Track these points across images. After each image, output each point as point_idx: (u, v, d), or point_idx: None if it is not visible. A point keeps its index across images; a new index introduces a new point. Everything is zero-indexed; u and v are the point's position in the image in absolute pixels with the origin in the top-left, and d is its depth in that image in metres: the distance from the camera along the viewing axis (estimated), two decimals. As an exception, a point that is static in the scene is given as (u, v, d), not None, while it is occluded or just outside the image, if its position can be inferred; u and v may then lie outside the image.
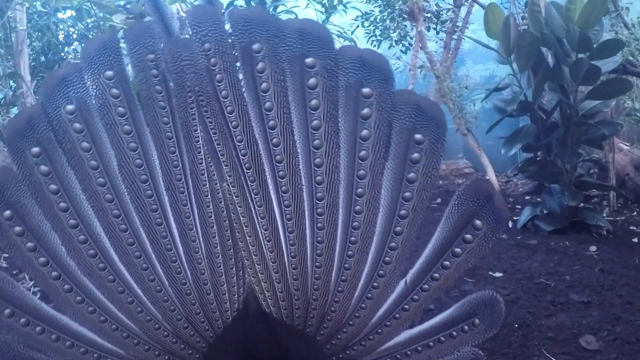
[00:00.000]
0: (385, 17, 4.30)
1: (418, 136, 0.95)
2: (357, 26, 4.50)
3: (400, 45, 4.42)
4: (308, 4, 4.10)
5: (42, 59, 3.81)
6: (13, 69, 3.18)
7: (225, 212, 1.03)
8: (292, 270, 1.04)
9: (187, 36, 1.01)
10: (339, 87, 0.94)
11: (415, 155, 0.96)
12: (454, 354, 1.09)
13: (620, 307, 2.09)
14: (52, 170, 0.98)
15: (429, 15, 4.31)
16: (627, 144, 3.92)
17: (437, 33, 4.49)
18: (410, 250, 1.03)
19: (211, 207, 1.02)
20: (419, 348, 1.10)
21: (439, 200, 3.84)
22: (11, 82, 3.38)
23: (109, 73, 0.97)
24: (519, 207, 3.70)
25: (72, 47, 3.93)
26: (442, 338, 1.09)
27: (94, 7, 3.39)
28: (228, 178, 1.00)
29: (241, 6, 3.65)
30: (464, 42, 4.63)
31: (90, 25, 3.70)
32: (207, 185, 1.01)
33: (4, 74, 3.18)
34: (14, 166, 0.98)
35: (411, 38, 4.41)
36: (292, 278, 1.04)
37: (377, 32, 4.45)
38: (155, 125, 0.99)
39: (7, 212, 0.99)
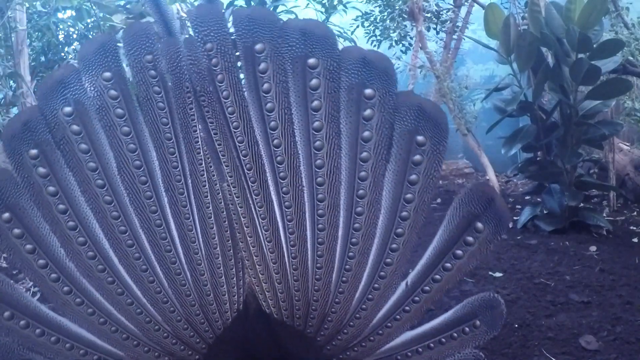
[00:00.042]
0: (385, 17, 4.30)
1: (420, 138, 0.95)
2: (357, 26, 4.50)
3: (400, 45, 4.42)
4: (308, 4, 4.10)
5: (42, 59, 3.81)
6: (13, 69, 3.18)
7: (225, 213, 1.03)
8: (293, 271, 1.04)
9: (187, 36, 1.00)
10: (341, 88, 0.94)
11: (417, 157, 0.96)
12: (454, 355, 1.09)
13: (620, 307, 2.09)
14: (50, 172, 0.98)
15: (429, 15, 4.30)
16: (627, 144, 3.92)
17: (437, 33, 4.49)
18: (412, 252, 1.03)
19: (211, 208, 1.02)
20: (420, 349, 1.10)
21: (439, 200, 3.84)
22: (11, 82, 3.38)
23: (107, 74, 0.97)
24: (519, 207, 3.70)
25: (72, 47, 3.93)
26: (443, 339, 1.09)
27: (94, 7, 3.38)
28: (229, 179, 1.00)
29: (241, 6, 3.65)
30: (464, 42, 4.63)
31: (90, 25, 3.70)
32: (207, 186, 1.01)
33: (4, 74, 3.17)
34: (12, 168, 0.98)
35: (411, 38, 4.40)
36: (292, 279, 1.04)
37: (377, 32, 4.45)
38: (154, 126, 0.99)
39: (6, 215, 0.99)
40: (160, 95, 0.98)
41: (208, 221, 1.02)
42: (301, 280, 1.04)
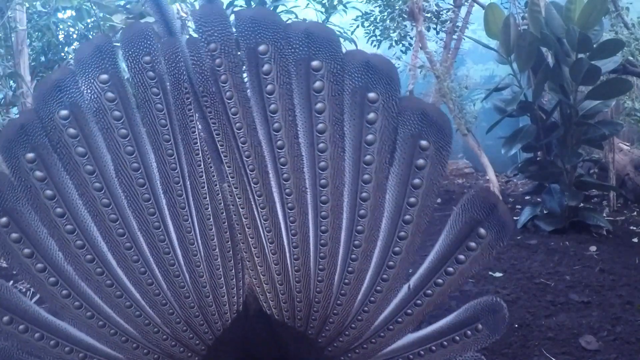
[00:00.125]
0: (385, 17, 4.29)
1: (424, 142, 0.95)
2: (357, 26, 4.49)
3: (400, 45, 4.41)
4: (308, 4, 4.10)
5: (42, 59, 3.80)
6: (13, 69, 3.18)
7: (224, 214, 1.03)
8: (295, 272, 1.04)
9: (187, 36, 1.00)
10: (344, 91, 0.94)
11: (421, 161, 0.96)
12: (456, 358, 1.09)
13: (620, 307, 2.09)
14: (47, 175, 0.98)
15: (429, 15, 4.30)
16: (627, 144, 3.92)
17: (437, 33, 4.49)
18: (414, 255, 1.03)
19: (210, 209, 1.02)
20: (422, 352, 1.10)
21: (439, 200, 3.84)
22: (11, 82, 3.38)
23: (104, 77, 0.96)
24: (519, 207, 3.70)
25: (72, 47, 3.92)
26: (445, 342, 1.09)
27: (94, 7, 3.38)
28: (231, 179, 1.00)
29: (241, 6, 3.65)
30: (464, 42, 4.62)
31: (90, 25, 3.69)
32: (206, 188, 1.01)
33: (4, 74, 3.17)
34: (9, 172, 0.97)
35: (411, 38, 4.40)
36: (294, 280, 1.04)
37: (377, 32, 4.44)
38: (153, 128, 0.98)
39: (4, 219, 0.98)
40: (158, 97, 0.98)
41: (207, 223, 1.02)
42: (303, 281, 1.04)
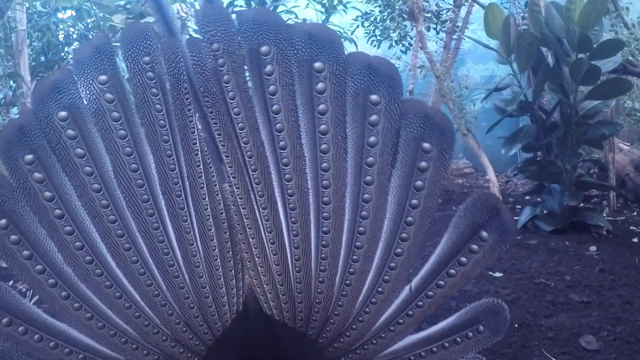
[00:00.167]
0: (385, 17, 4.30)
1: (426, 145, 0.96)
2: (357, 26, 4.50)
3: (400, 45, 4.42)
4: (308, 4, 4.10)
5: (42, 59, 3.80)
6: (13, 69, 3.18)
7: (224, 214, 1.03)
8: (296, 273, 1.04)
9: (187, 36, 1.00)
10: (347, 92, 0.94)
11: (423, 163, 0.96)
12: (457, 359, 1.09)
13: (620, 307, 2.09)
14: (46, 177, 0.97)
15: (429, 15, 4.31)
16: (627, 144, 3.92)
17: (437, 33, 4.49)
18: (416, 257, 1.03)
19: (209, 209, 1.02)
20: (423, 353, 1.11)
21: (439, 200, 3.84)
22: (11, 82, 3.38)
23: (103, 78, 0.96)
24: (519, 207, 3.70)
25: (72, 47, 3.92)
26: (446, 344, 1.09)
27: (94, 7, 3.38)
28: (232, 180, 1.00)
29: (241, 6, 3.65)
30: (464, 42, 4.63)
31: (90, 25, 3.69)
32: (205, 188, 1.01)
33: (4, 74, 3.17)
34: (8, 174, 0.97)
35: (411, 38, 4.41)
36: (295, 281, 1.04)
37: (377, 32, 4.45)
38: (152, 128, 0.98)
39: (3, 221, 0.98)
40: (157, 98, 0.97)
41: (206, 223, 1.02)
42: (304, 282, 1.04)
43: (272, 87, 0.95)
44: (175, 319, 1.07)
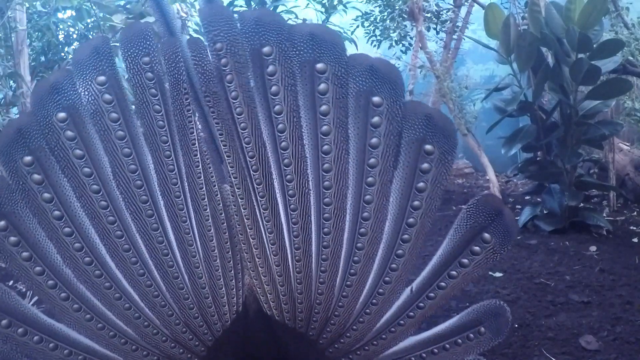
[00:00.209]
0: (385, 17, 4.30)
1: (428, 147, 0.96)
2: (357, 26, 4.50)
3: (400, 45, 4.42)
4: (308, 4, 4.10)
5: (42, 59, 3.80)
6: (13, 69, 3.17)
7: (223, 215, 1.03)
8: (297, 273, 1.04)
9: (187, 36, 1.00)
10: (349, 94, 0.94)
11: (425, 165, 0.96)
12: None
13: (620, 307, 2.09)
14: (45, 178, 0.97)
15: (429, 15, 4.31)
16: (627, 144, 3.92)
17: (437, 33, 4.49)
18: (417, 258, 1.03)
19: (208, 210, 1.02)
20: (424, 355, 1.11)
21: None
22: (11, 82, 3.37)
23: (101, 78, 0.96)
24: (519, 207, 3.70)
25: (72, 47, 3.92)
26: (447, 345, 1.09)
27: (94, 7, 3.38)
28: (234, 180, 0.99)
29: (241, 6, 3.65)
30: (464, 42, 4.63)
31: (90, 25, 3.69)
32: (204, 189, 1.01)
33: (4, 74, 3.17)
34: (6, 176, 0.97)
35: (411, 38, 4.41)
36: (296, 281, 1.04)
37: (377, 32, 4.45)
38: (150, 129, 0.98)
39: (2, 223, 0.98)
40: (156, 98, 0.97)
41: (205, 224, 1.02)
42: (304, 283, 1.04)
43: (274, 88, 0.94)
44: (174, 320, 1.07)
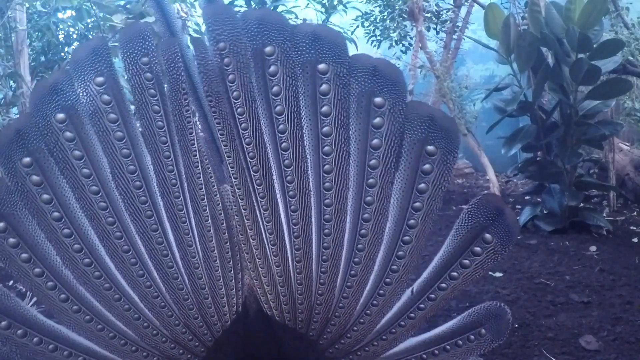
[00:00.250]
0: (385, 17, 4.30)
1: (430, 148, 0.95)
2: (357, 26, 4.50)
3: (400, 45, 4.42)
4: (308, 4, 4.10)
5: (42, 59, 3.80)
6: (13, 69, 3.17)
7: (222, 215, 1.02)
8: (297, 274, 1.03)
9: (187, 36, 1.00)
10: (351, 95, 0.94)
11: (427, 166, 0.96)
12: None
13: (620, 307, 2.09)
14: (44, 180, 0.97)
15: (429, 15, 4.31)
16: (627, 144, 3.92)
17: (437, 33, 4.49)
18: (418, 260, 1.03)
19: (208, 210, 1.01)
20: (424, 356, 1.10)
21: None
22: (11, 82, 3.37)
23: (99, 79, 0.96)
24: (519, 207, 3.70)
25: (72, 47, 3.92)
26: (448, 347, 1.09)
27: (94, 7, 3.38)
28: (234, 180, 0.99)
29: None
30: (464, 42, 4.63)
31: (90, 25, 3.69)
32: (204, 189, 1.00)
33: (4, 74, 3.17)
34: (5, 177, 0.97)
35: (411, 38, 4.41)
36: (296, 282, 1.04)
37: (377, 32, 4.45)
38: (149, 130, 0.98)
39: (1, 224, 0.98)
40: (155, 98, 0.97)
41: (205, 224, 1.02)
42: (305, 283, 1.04)
43: (275, 88, 0.94)
44: (174, 321, 1.07)
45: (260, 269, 1.04)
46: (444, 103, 3.97)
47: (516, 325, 1.96)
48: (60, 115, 0.95)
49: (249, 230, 1.01)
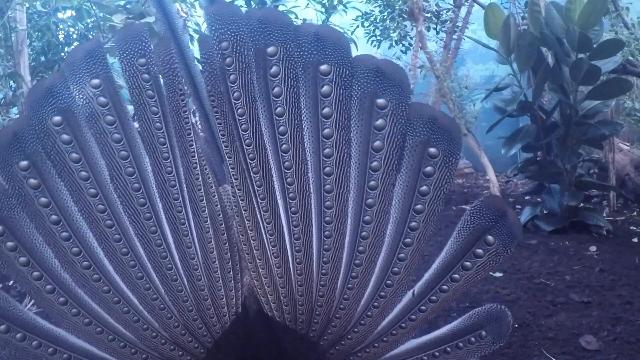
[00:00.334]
0: (385, 17, 4.30)
1: (432, 150, 0.94)
2: (357, 26, 4.49)
3: (400, 45, 4.42)
4: (308, 4, 4.09)
5: (42, 59, 3.79)
6: (13, 69, 3.17)
7: (221, 216, 1.02)
8: (297, 276, 1.03)
9: (187, 36, 0.99)
10: (353, 96, 0.93)
11: (429, 168, 0.95)
12: None
13: (620, 307, 2.09)
14: (41, 183, 0.97)
15: (429, 15, 4.31)
16: (627, 144, 3.92)
17: (437, 33, 4.49)
18: (420, 262, 1.03)
19: (207, 211, 1.01)
20: (425, 357, 1.10)
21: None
22: (11, 82, 3.37)
23: (95, 81, 0.96)
24: (519, 207, 3.70)
25: (72, 47, 3.92)
26: (449, 348, 1.09)
27: (94, 7, 3.38)
28: (234, 181, 0.99)
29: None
30: (464, 42, 4.63)
31: (90, 25, 3.69)
32: (202, 190, 1.00)
33: (4, 74, 3.17)
34: (3, 180, 0.97)
35: (411, 38, 4.41)
36: (297, 283, 1.04)
37: (377, 32, 4.44)
38: (147, 131, 0.97)
39: None
40: (153, 100, 0.96)
41: (204, 225, 1.02)
42: (305, 285, 1.04)
43: (276, 89, 0.93)
44: (174, 322, 1.06)
45: (260, 269, 1.04)
46: (444, 103, 3.96)
47: (516, 325, 1.96)
48: (57, 118, 0.95)
49: (249, 231, 1.01)
